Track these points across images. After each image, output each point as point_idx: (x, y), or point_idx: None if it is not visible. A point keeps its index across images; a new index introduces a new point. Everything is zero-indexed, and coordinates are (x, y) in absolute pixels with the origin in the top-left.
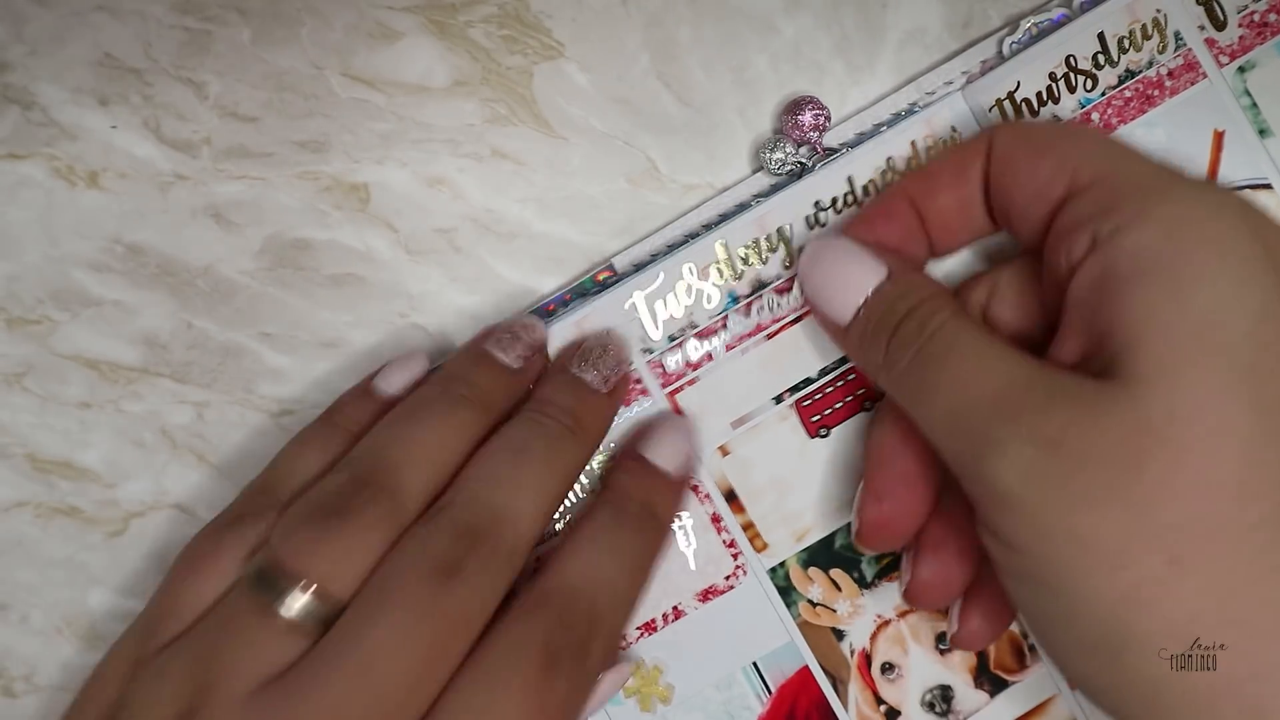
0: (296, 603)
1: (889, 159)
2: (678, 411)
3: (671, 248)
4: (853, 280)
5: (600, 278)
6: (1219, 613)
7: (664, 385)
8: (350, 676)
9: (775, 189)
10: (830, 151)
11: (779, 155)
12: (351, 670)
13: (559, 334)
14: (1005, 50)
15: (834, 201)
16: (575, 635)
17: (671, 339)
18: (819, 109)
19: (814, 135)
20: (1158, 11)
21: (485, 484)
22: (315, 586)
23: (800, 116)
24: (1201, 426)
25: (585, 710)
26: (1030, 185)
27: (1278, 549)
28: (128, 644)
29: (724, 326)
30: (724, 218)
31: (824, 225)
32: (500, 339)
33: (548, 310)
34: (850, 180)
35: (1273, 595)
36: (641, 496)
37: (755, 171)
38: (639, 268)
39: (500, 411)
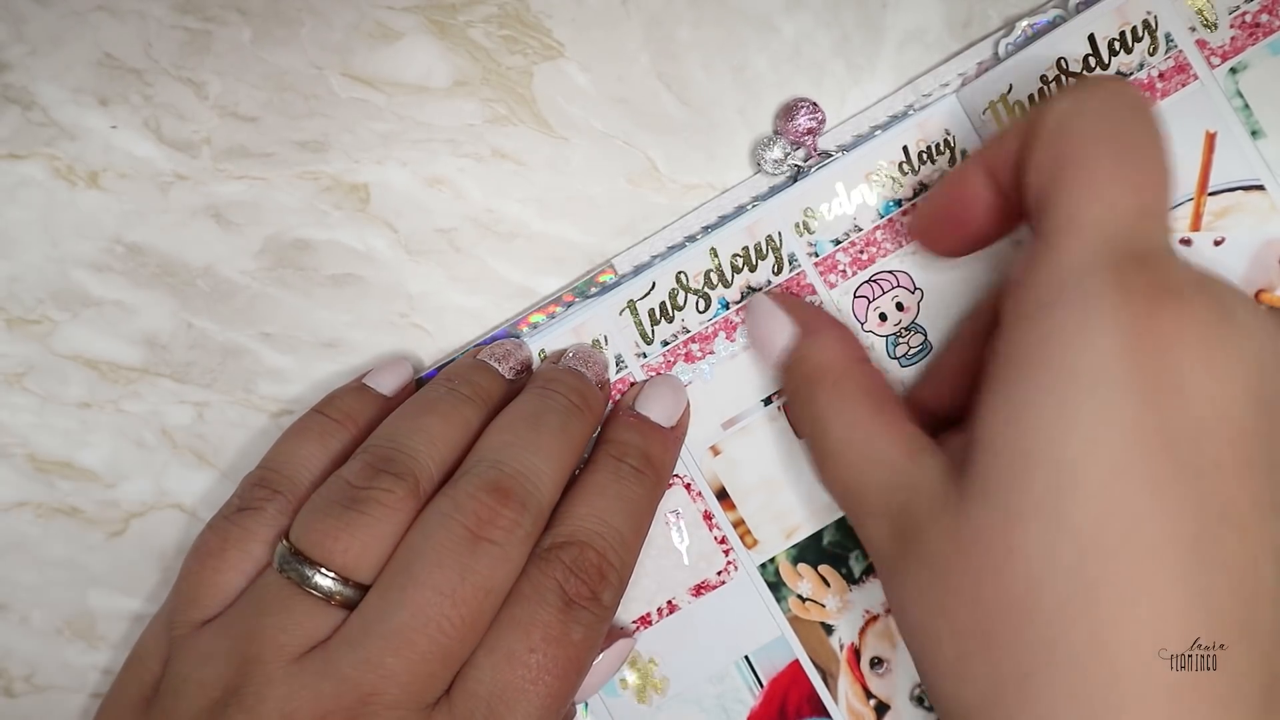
0: (324, 584)
1: (879, 163)
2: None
3: (671, 249)
4: (770, 338)
5: (601, 279)
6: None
7: None
8: (387, 649)
9: (773, 191)
10: (825, 155)
11: (775, 155)
12: (388, 644)
13: (554, 340)
14: (1000, 52)
15: (823, 210)
16: (588, 584)
17: (665, 344)
18: (814, 112)
19: (808, 139)
20: (1148, 13)
21: (505, 447)
22: (340, 573)
23: (795, 119)
24: (995, 553)
25: (596, 676)
26: (1016, 187)
27: (1074, 658)
28: (158, 629)
29: (716, 332)
30: (724, 219)
31: (813, 233)
32: (494, 353)
33: (547, 312)
34: (839, 189)
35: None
36: (640, 448)
37: (756, 173)
38: (639, 269)
39: (498, 411)
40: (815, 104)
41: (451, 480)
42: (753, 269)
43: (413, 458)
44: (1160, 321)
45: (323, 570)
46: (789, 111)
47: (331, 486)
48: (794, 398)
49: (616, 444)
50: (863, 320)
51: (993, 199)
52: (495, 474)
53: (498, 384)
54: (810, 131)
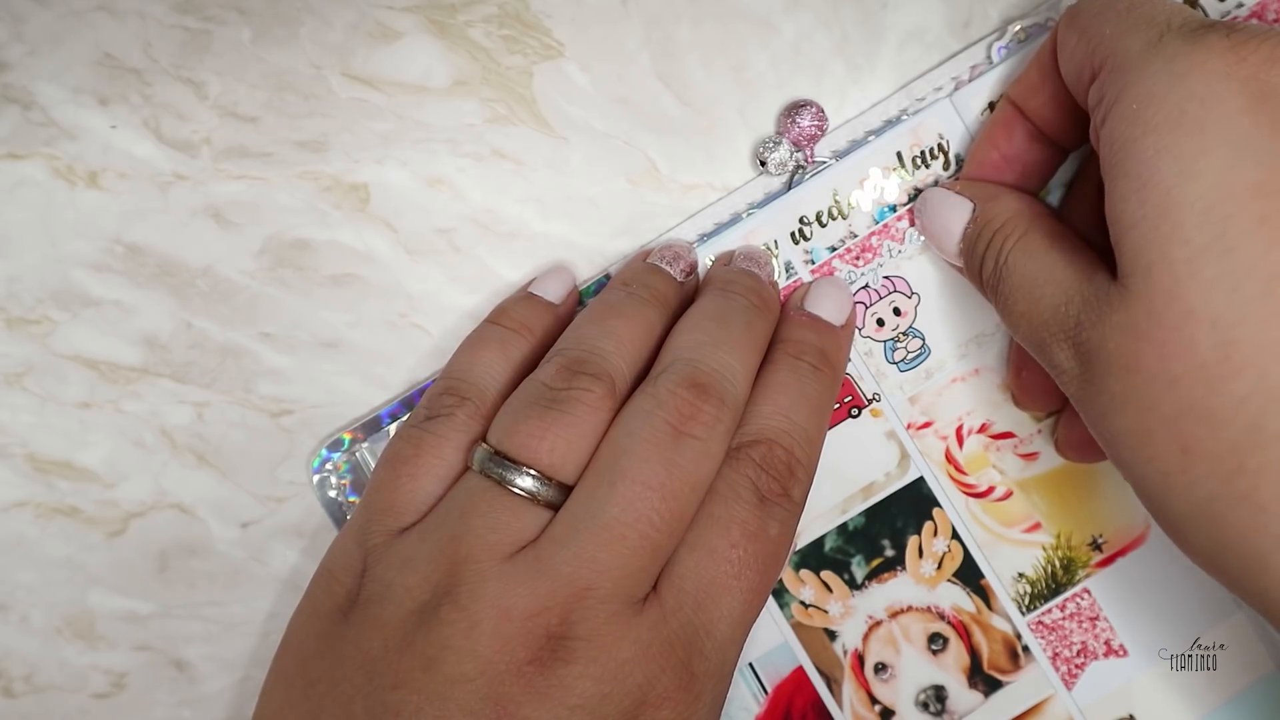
0: (528, 484)
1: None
2: None
3: None
4: (947, 223)
5: None
6: (1230, 491)
7: None
8: (599, 544)
9: (769, 199)
10: (819, 163)
11: (779, 155)
12: (600, 539)
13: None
14: (993, 55)
15: (818, 216)
16: (779, 480)
17: None
18: (819, 116)
19: (808, 144)
20: None
21: (698, 346)
22: (545, 473)
23: (799, 120)
24: (1173, 317)
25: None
26: (1069, 71)
27: (1270, 417)
28: (347, 543)
29: None
30: (720, 228)
31: (809, 240)
32: (664, 255)
33: None
34: (834, 194)
35: (1273, 464)
36: (816, 346)
37: (758, 175)
38: None
39: (675, 315)
40: (822, 110)
41: (649, 378)
42: None
43: (606, 359)
44: (1240, 57)
45: (527, 470)
46: (795, 110)
47: (528, 389)
48: (982, 256)
49: (792, 343)
50: (860, 325)
51: (1029, 126)
52: (693, 371)
53: (672, 286)
54: (812, 137)
